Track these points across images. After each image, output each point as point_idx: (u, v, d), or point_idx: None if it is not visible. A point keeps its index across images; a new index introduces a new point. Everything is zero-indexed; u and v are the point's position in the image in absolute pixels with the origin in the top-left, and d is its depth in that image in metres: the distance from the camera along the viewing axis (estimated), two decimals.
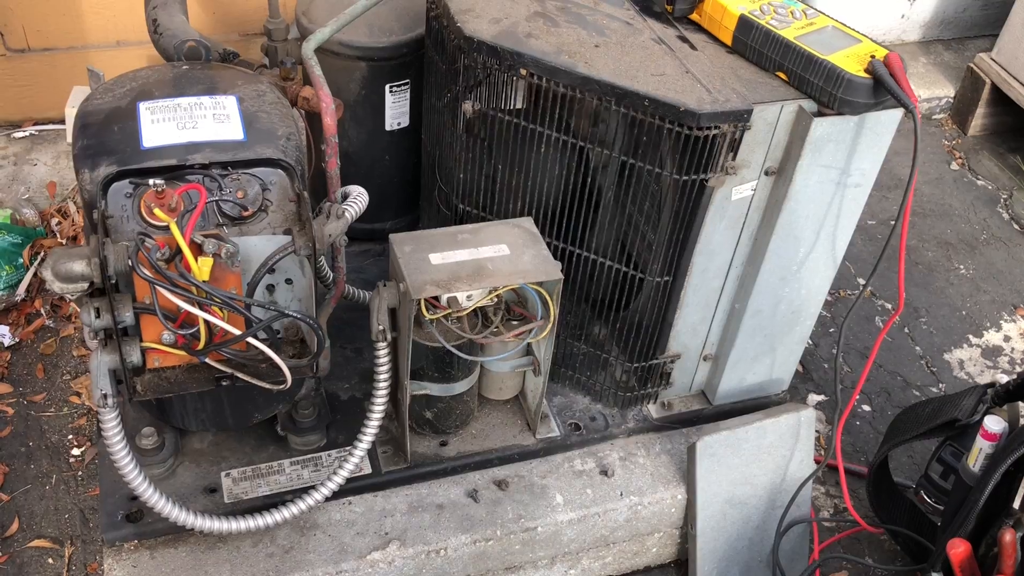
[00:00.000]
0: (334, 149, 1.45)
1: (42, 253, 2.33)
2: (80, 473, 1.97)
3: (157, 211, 1.29)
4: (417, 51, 1.87)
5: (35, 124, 2.63)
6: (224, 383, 1.39)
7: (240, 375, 1.37)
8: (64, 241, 2.36)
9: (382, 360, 1.54)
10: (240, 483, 1.61)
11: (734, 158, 1.47)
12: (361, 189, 1.49)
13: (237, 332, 1.29)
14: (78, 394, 2.12)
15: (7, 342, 2.18)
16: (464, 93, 1.57)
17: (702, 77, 1.47)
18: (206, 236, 1.28)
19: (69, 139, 1.73)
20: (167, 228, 1.28)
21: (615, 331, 1.78)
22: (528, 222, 1.60)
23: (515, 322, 1.59)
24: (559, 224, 1.65)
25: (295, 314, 1.31)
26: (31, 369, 2.16)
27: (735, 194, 1.53)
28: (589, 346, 1.80)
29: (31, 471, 1.96)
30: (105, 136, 1.41)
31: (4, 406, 2.06)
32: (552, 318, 1.54)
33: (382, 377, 1.55)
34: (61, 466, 1.98)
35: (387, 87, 1.89)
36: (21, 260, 2.28)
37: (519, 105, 1.61)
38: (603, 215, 1.72)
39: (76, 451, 2.01)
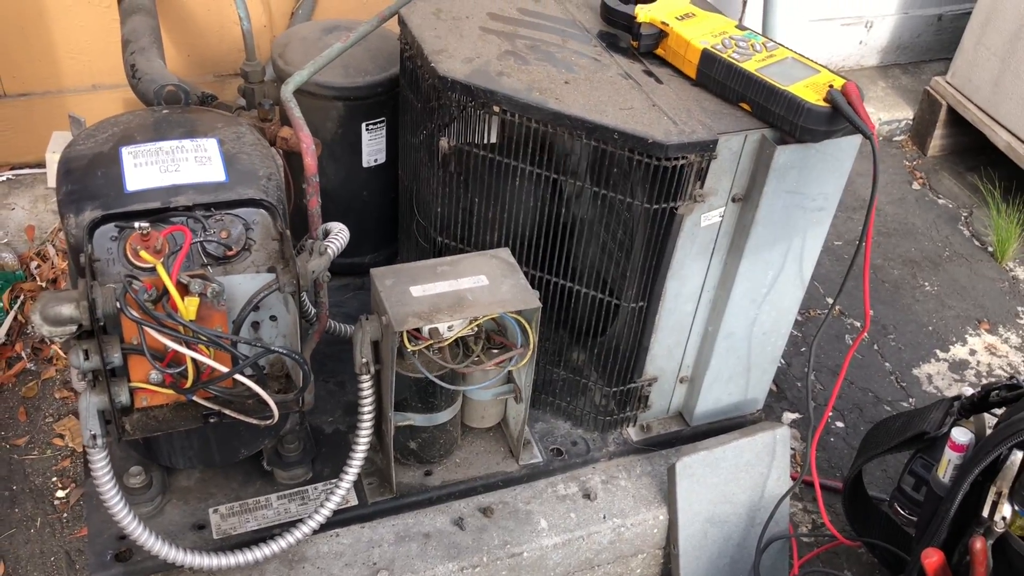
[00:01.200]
0: (315, 188, 1.49)
1: (21, 297, 2.34)
2: (65, 515, 1.97)
3: (143, 253, 1.32)
4: (392, 90, 1.91)
5: (12, 169, 2.64)
6: (212, 420, 1.41)
7: (227, 412, 1.40)
8: (44, 284, 2.37)
9: (366, 393, 1.57)
10: (228, 519, 1.63)
11: (702, 186, 1.53)
12: (342, 226, 1.53)
13: (224, 369, 1.31)
14: (61, 436, 2.13)
15: None
16: (439, 130, 1.61)
17: (668, 110, 1.52)
18: (192, 276, 1.31)
19: (50, 184, 1.75)
20: (153, 270, 1.31)
21: (593, 357, 1.82)
22: (506, 253, 1.64)
23: (495, 351, 1.63)
24: (536, 254, 1.69)
25: (281, 350, 1.34)
26: (12, 413, 2.17)
27: (704, 220, 1.58)
28: (568, 372, 1.84)
29: (15, 515, 1.96)
30: (89, 181, 1.44)
31: None
32: (532, 346, 1.58)
33: (366, 409, 1.58)
34: (46, 508, 1.98)
35: (363, 125, 1.94)
36: (1, 304, 2.29)
37: (492, 140, 1.66)
38: (578, 244, 1.77)
39: (60, 493, 2.01)
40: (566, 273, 1.72)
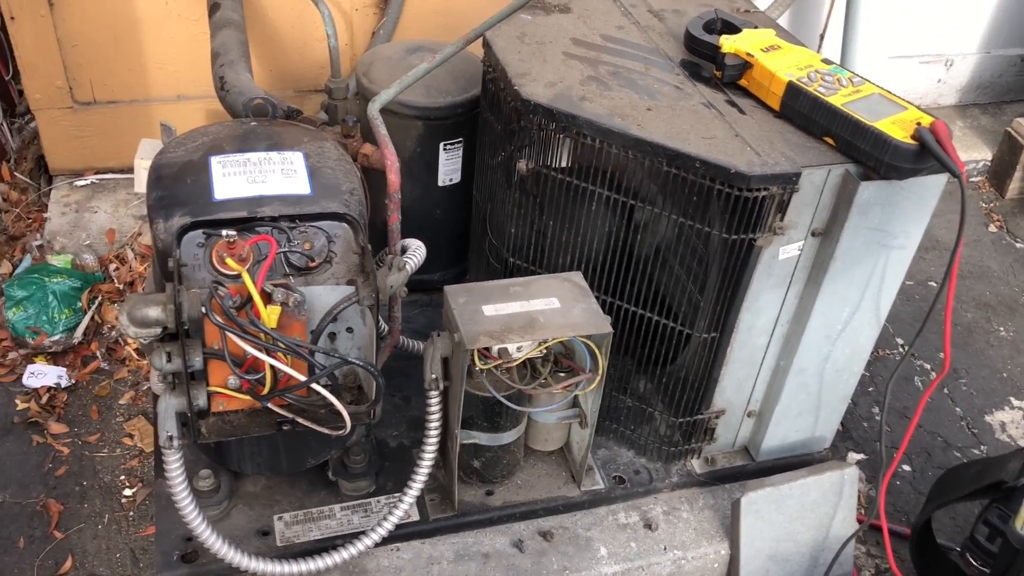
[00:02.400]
0: (396, 204, 1.51)
1: (99, 298, 2.41)
2: (131, 513, 2.01)
3: (229, 260, 1.35)
4: (471, 111, 1.94)
5: (96, 173, 2.73)
6: (285, 427, 1.43)
7: (301, 420, 1.42)
8: (121, 287, 2.43)
9: (433, 408, 1.58)
10: (292, 527, 1.65)
11: (782, 219, 1.51)
12: (419, 243, 1.54)
13: (302, 378, 1.33)
14: (130, 436, 2.18)
15: (64, 383, 2.25)
16: (518, 152, 1.63)
17: (751, 140, 1.52)
18: (275, 286, 1.33)
19: (138, 189, 1.81)
20: (238, 277, 1.34)
21: (660, 385, 1.81)
22: (578, 276, 1.65)
23: (563, 374, 1.63)
24: (607, 278, 1.69)
25: (357, 362, 1.35)
26: (86, 410, 2.22)
27: (782, 253, 1.57)
28: (634, 400, 1.82)
29: (84, 510, 2.00)
30: (179, 188, 1.48)
31: (60, 446, 2.12)
32: (600, 371, 1.57)
33: (433, 425, 1.59)
34: (113, 506, 2.02)
35: (441, 145, 1.96)
36: (80, 304, 2.36)
37: (564, 163, 1.67)
38: (649, 270, 1.76)
39: (128, 491, 2.06)
40: (635, 299, 1.71)
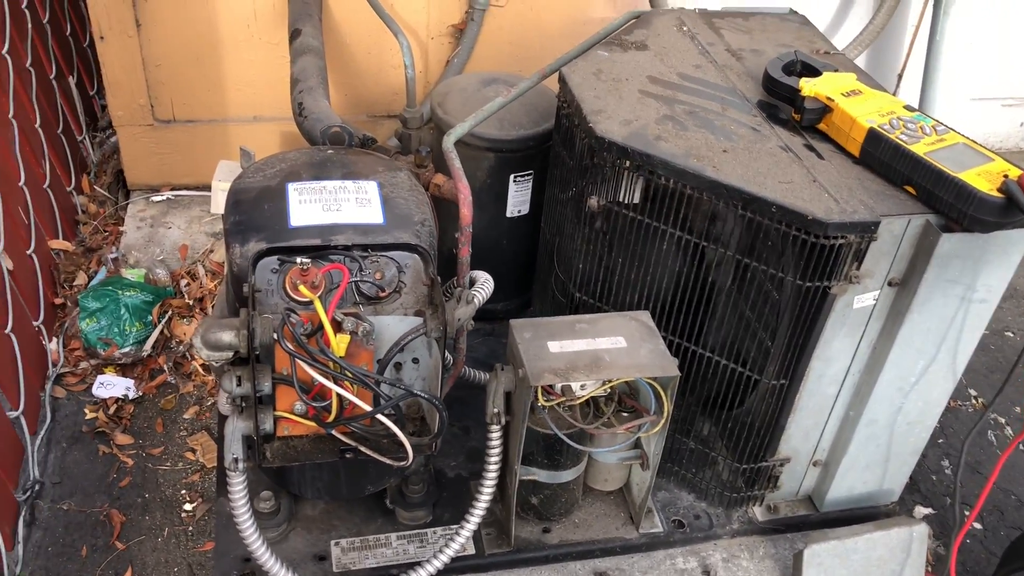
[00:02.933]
0: (467, 237, 1.51)
1: (169, 312, 2.45)
2: (191, 528, 2.04)
3: (302, 288, 1.37)
4: (542, 144, 1.94)
5: (172, 189, 2.80)
6: (347, 456, 1.44)
7: (363, 449, 1.42)
8: (191, 302, 2.48)
9: (494, 443, 1.57)
10: (348, 553, 1.65)
11: (858, 267, 1.48)
12: (487, 276, 1.55)
13: (367, 408, 1.34)
14: (193, 450, 2.21)
15: (131, 395, 2.30)
16: (590, 189, 1.62)
17: (829, 186, 1.49)
18: (346, 315, 1.35)
19: (214, 210, 1.85)
20: (310, 304, 1.36)
21: (724, 430, 1.78)
22: (645, 316, 1.63)
23: (626, 413, 1.61)
24: (673, 318, 1.67)
25: (422, 394, 1.36)
26: (151, 423, 2.26)
27: (857, 302, 1.53)
28: (696, 443, 1.80)
29: (145, 522, 2.04)
30: (255, 213, 1.50)
31: (125, 457, 2.16)
32: (666, 414, 1.55)
33: (493, 460, 1.58)
34: (173, 519, 2.05)
35: (512, 177, 1.96)
36: (150, 318, 2.41)
37: (635, 200, 1.66)
38: (716, 312, 1.74)
39: (188, 506, 2.08)
40: (701, 341, 1.69)
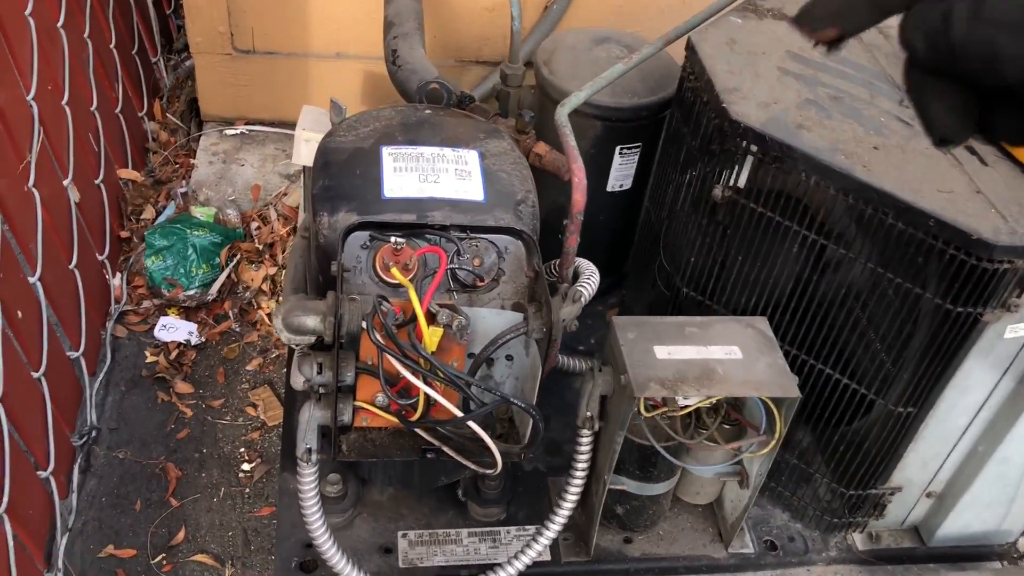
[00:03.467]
0: (577, 225, 1.36)
1: (238, 256, 2.35)
2: (247, 490, 1.96)
3: (394, 270, 1.23)
4: (656, 115, 1.76)
5: (247, 124, 2.67)
6: (429, 456, 1.32)
7: (447, 450, 1.30)
8: (261, 247, 2.37)
9: (583, 449, 1.44)
10: (416, 547, 1.54)
11: (1019, 295, 1.30)
12: (593, 267, 1.40)
13: (458, 413, 1.21)
14: (254, 405, 2.12)
15: (194, 341, 2.21)
16: (715, 176, 1.45)
17: (995, 200, 1.30)
18: (441, 306, 1.21)
19: (295, 160, 1.71)
20: (399, 286, 1.22)
21: (827, 448, 1.62)
22: (763, 323, 1.47)
23: (728, 426, 1.47)
24: (786, 324, 1.51)
25: (520, 403, 1.22)
26: (212, 372, 2.17)
27: (1009, 332, 1.36)
28: (796, 459, 1.65)
29: (202, 480, 1.96)
30: (347, 179, 1.36)
31: (184, 407, 2.08)
32: (777, 436, 1.40)
33: (580, 467, 1.44)
34: (230, 479, 1.97)
35: (618, 148, 1.80)
36: (218, 260, 2.31)
37: (763, 195, 1.48)
38: (839, 322, 1.57)
39: (246, 466, 2.00)
40: (815, 351, 1.53)
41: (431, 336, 1.20)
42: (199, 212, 2.35)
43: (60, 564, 1.71)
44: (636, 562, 1.58)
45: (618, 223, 1.94)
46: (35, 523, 1.68)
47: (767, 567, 1.61)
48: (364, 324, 1.18)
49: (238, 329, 2.25)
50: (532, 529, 1.56)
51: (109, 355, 2.13)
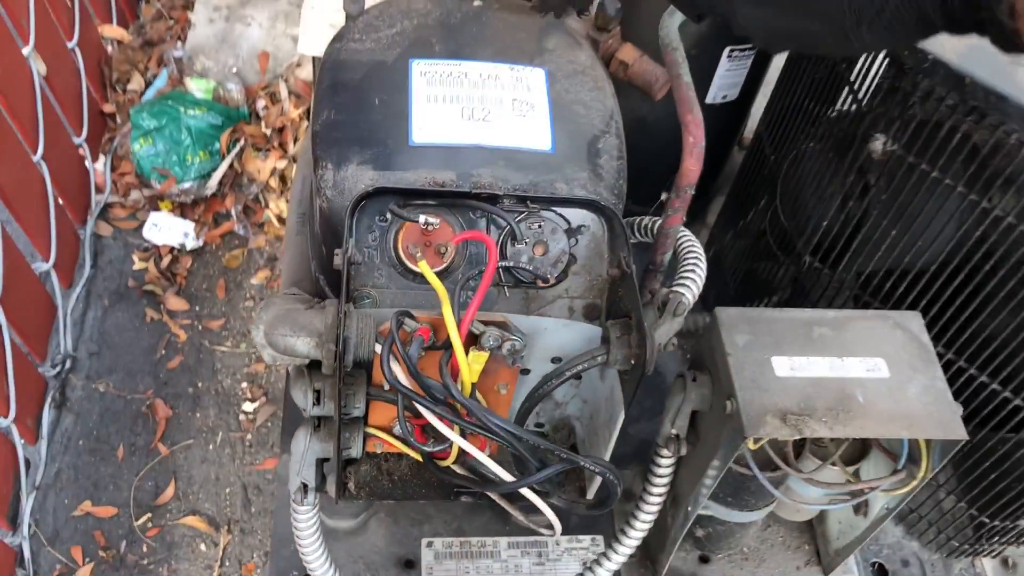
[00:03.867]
0: (685, 201, 0.97)
1: (241, 141, 1.97)
2: (249, 436, 1.67)
3: (423, 265, 0.86)
4: None
5: None
6: (463, 499, 1.00)
7: (490, 494, 0.98)
8: (268, 132, 1.98)
9: (662, 472, 1.11)
10: (443, 560, 1.25)
11: None
12: (698, 249, 1.01)
13: (507, 477, 0.87)
14: None
15: (189, 244, 1.86)
16: (875, 126, 1.04)
17: None
18: (487, 324, 0.85)
19: (301, 49, 1.31)
20: (426, 282, 0.86)
21: (966, 464, 1.28)
22: (915, 322, 1.09)
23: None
24: (924, 310, 1.14)
25: (592, 465, 0.88)
26: (211, 284, 1.85)
27: None
28: None
29: (196, 421, 1.67)
30: (360, 113, 0.97)
31: (178, 327, 1.76)
32: (922, 476, 1.06)
33: (656, 492, 1.12)
34: (229, 421, 1.68)
35: (726, 51, 1.36)
36: (218, 146, 1.93)
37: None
38: (991, 311, 1.19)
39: (248, 406, 1.70)
40: (950, 342, 1.17)
41: (472, 365, 0.85)
42: (195, 86, 1.95)
43: (26, 524, 1.46)
44: None
45: (715, 140, 1.53)
46: None
47: None
48: (379, 348, 0.83)
49: (242, 232, 1.90)
50: (586, 541, 1.27)
51: (89, 261, 1.80)
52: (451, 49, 1.03)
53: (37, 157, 1.65)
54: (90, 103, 1.90)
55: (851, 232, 1.19)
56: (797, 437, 1.01)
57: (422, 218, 0.88)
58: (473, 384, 0.87)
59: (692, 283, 0.97)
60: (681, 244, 1.02)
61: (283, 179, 1.90)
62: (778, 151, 1.31)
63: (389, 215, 0.91)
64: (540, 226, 0.92)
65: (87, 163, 1.86)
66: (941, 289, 1.16)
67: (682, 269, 0.99)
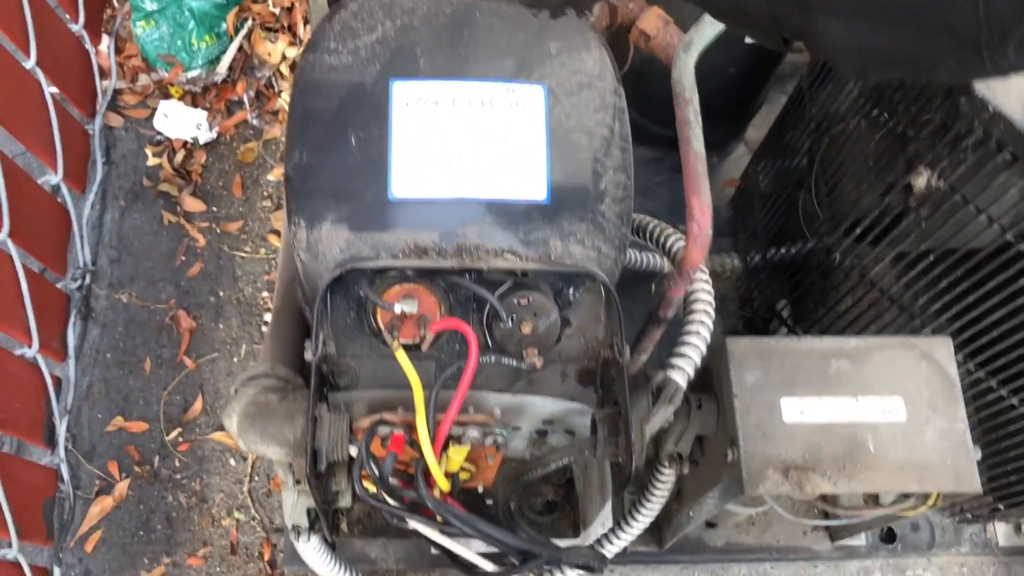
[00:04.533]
0: (687, 280, 0.87)
1: (249, 21, 1.82)
2: None
3: (400, 356, 0.81)
4: None
5: None
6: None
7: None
8: (277, 11, 1.83)
9: (662, 485, 1.10)
10: None
11: None
12: (707, 306, 0.93)
13: (489, 568, 0.86)
14: (276, 232, 1.76)
15: (203, 136, 1.79)
16: (919, 157, 0.91)
17: None
18: (466, 423, 0.81)
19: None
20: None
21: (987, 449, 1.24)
22: (944, 349, 1.02)
23: None
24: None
25: (572, 561, 0.86)
26: (228, 181, 1.79)
27: None
28: None
29: (219, 332, 1.68)
30: (335, 154, 0.87)
31: (196, 231, 1.73)
32: (931, 503, 1.03)
33: (654, 501, 1.11)
34: (252, 333, 1.69)
35: None
36: (224, 28, 1.79)
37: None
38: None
39: (269, 316, 1.70)
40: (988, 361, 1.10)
41: (453, 457, 0.82)
42: None
43: (62, 442, 1.52)
44: (720, 553, 1.30)
45: (752, 81, 1.38)
46: (26, 421, 1.47)
47: (880, 555, 1.33)
48: (353, 451, 0.80)
49: (255, 122, 1.80)
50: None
51: (101, 158, 1.74)
52: (437, 64, 0.90)
53: (31, 63, 1.55)
54: None
55: (890, 222, 1.08)
56: (798, 495, 0.98)
57: (398, 307, 0.81)
58: (455, 474, 0.85)
59: (690, 362, 0.90)
60: (693, 307, 0.93)
61: (293, 67, 1.77)
62: (822, 124, 1.16)
63: (368, 281, 0.84)
64: (529, 300, 0.84)
65: (88, 48, 1.75)
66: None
67: (683, 337, 0.91)
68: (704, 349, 0.91)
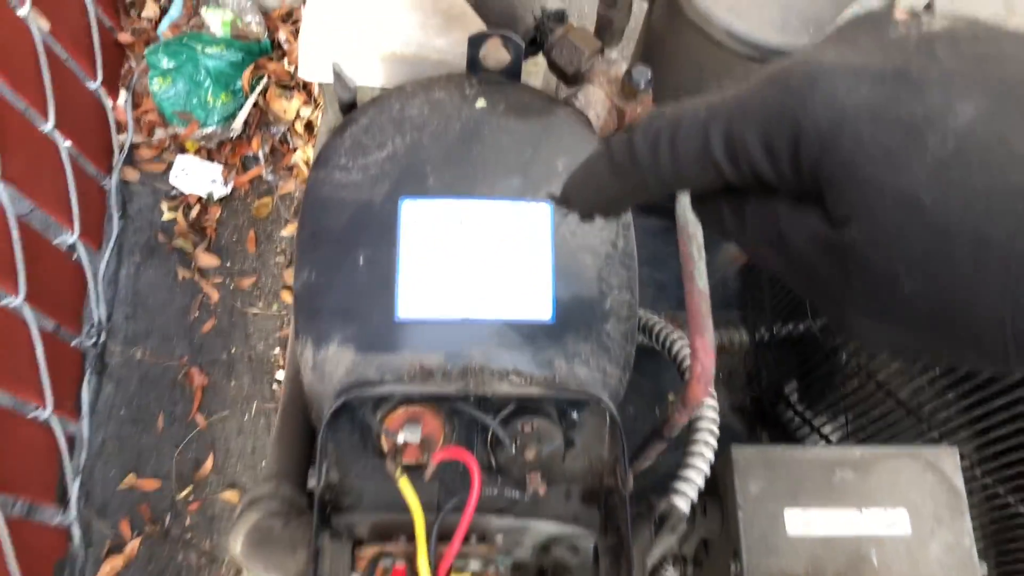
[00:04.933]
0: (692, 410, 0.88)
1: (264, 79, 1.84)
2: None
3: (403, 484, 0.82)
4: None
5: None
6: None
7: None
8: (292, 68, 1.84)
9: None
10: None
11: None
12: (711, 426, 0.93)
13: None
14: (289, 288, 1.78)
15: (218, 191, 1.81)
16: None
17: None
18: (470, 555, 0.82)
19: (301, 73, 1.17)
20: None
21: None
22: (950, 460, 1.02)
23: None
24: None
25: None
26: (241, 236, 1.81)
27: None
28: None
29: (231, 390, 1.70)
30: (343, 273, 0.88)
31: (209, 286, 1.75)
32: None
33: None
34: (263, 391, 1.70)
35: None
36: (239, 85, 1.81)
37: None
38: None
39: (280, 374, 1.72)
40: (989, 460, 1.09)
41: None
42: (211, 17, 1.79)
43: (74, 503, 1.54)
44: None
45: None
46: (38, 483, 1.49)
47: None
48: None
49: (270, 178, 1.82)
50: None
51: (117, 212, 1.76)
52: (446, 181, 0.91)
53: (49, 127, 1.57)
54: (103, 37, 1.77)
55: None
56: None
57: (400, 437, 0.82)
58: None
59: (694, 486, 0.91)
60: (698, 425, 0.94)
61: (308, 126, 1.78)
62: None
63: (371, 405, 0.85)
64: (532, 427, 0.85)
65: (105, 103, 1.77)
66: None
67: (688, 459, 0.91)
68: (707, 470, 0.92)
